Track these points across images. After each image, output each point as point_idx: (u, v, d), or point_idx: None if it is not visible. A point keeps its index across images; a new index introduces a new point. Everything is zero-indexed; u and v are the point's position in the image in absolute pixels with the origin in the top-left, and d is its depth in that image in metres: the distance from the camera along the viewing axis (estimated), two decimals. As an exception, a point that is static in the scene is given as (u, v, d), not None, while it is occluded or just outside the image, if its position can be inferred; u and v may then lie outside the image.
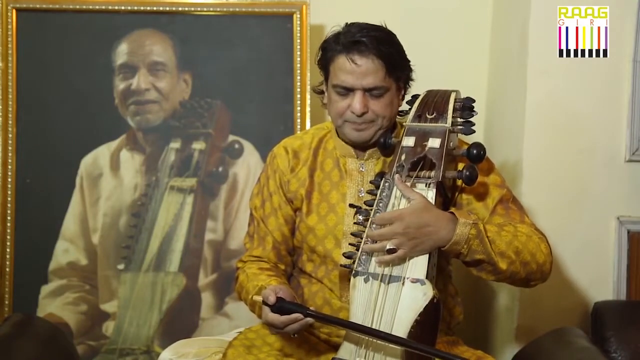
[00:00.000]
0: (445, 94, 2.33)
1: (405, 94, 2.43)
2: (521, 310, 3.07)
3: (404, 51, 2.41)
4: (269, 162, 2.59)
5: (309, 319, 2.19)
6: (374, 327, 2.14)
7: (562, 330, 2.93)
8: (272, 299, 2.19)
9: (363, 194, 2.42)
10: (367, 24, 2.38)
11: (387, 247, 2.15)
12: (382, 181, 2.25)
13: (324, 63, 2.40)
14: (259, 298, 2.24)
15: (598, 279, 3.09)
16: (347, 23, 2.41)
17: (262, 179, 2.59)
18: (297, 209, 2.51)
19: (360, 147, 2.45)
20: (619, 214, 3.07)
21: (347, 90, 2.34)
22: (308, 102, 3.21)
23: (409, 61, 2.42)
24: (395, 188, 2.22)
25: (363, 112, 2.33)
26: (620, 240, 3.07)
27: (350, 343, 2.18)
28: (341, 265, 2.31)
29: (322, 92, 2.47)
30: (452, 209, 2.27)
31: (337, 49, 2.34)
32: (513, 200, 2.41)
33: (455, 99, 2.30)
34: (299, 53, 3.23)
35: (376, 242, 2.19)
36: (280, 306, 2.19)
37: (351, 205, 2.35)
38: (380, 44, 2.31)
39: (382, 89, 2.33)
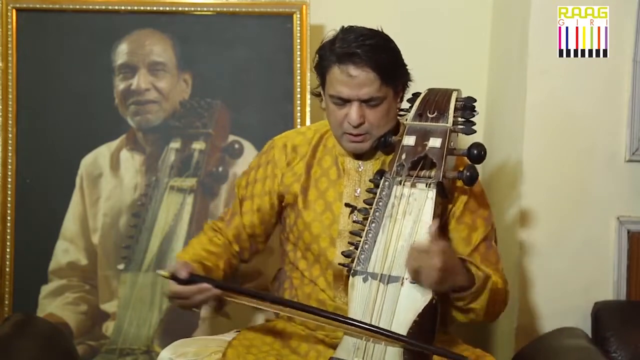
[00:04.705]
0: (447, 93, 2.33)
1: (403, 96, 2.43)
2: (521, 310, 3.07)
3: (401, 57, 2.39)
4: (266, 149, 2.61)
5: (216, 290, 2.25)
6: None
7: (562, 330, 2.94)
8: (184, 274, 2.24)
9: (359, 194, 2.42)
10: (363, 30, 2.36)
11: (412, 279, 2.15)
12: (382, 180, 2.25)
13: (320, 71, 2.40)
14: (164, 273, 2.27)
15: (598, 279, 3.09)
16: (343, 27, 2.39)
17: (253, 163, 2.63)
18: (289, 204, 2.52)
19: None
20: (619, 214, 3.07)
21: (344, 101, 2.34)
22: (308, 102, 3.21)
23: (406, 66, 2.41)
24: (395, 187, 2.23)
25: (360, 122, 2.33)
26: (620, 240, 3.07)
27: (348, 342, 2.18)
28: (340, 264, 2.30)
29: (320, 95, 2.47)
30: (468, 264, 2.29)
31: (332, 60, 2.33)
32: (494, 238, 2.46)
33: (456, 99, 2.30)
34: (299, 53, 3.22)
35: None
36: (190, 280, 2.25)
37: (347, 205, 2.35)
38: (375, 54, 2.30)
39: (378, 99, 2.33)
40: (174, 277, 2.26)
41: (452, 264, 2.17)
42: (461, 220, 2.40)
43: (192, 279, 2.26)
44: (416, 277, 2.13)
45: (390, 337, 2.11)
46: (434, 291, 2.14)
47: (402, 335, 2.11)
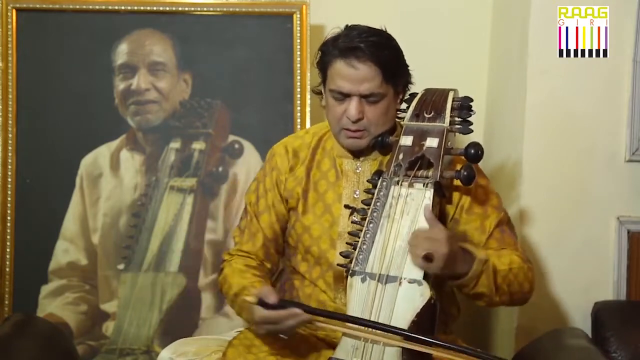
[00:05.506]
0: (443, 93, 2.33)
1: (403, 97, 2.42)
2: (521, 310, 3.06)
3: (402, 56, 2.40)
4: (268, 159, 2.59)
5: (307, 315, 2.18)
6: (370, 327, 2.15)
7: (562, 331, 2.93)
8: (273, 299, 2.18)
9: (358, 195, 2.42)
10: (366, 27, 2.37)
11: (423, 253, 2.13)
12: (380, 180, 2.25)
13: (322, 66, 2.40)
14: (252, 299, 2.21)
15: (598, 279, 3.08)
16: (347, 25, 2.40)
17: (259, 176, 2.60)
18: (292, 208, 2.51)
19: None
20: (619, 214, 3.06)
21: (344, 96, 2.34)
22: (308, 102, 3.21)
23: (408, 66, 2.42)
24: (392, 187, 2.23)
25: (358, 118, 2.33)
26: (620, 240, 3.06)
27: (348, 342, 2.18)
28: (338, 265, 2.30)
29: (320, 93, 2.48)
30: (466, 245, 2.27)
31: (335, 54, 2.33)
32: (508, 223, 2.45)
33: (453, 98, 2.30)
34: (299, 53, 3.22)
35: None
36: (278, 306, 2.18)
37: (346, 206, 2.35)
38: (378, 49, 2.30)
39: (379, 96, 2.33)
40: (262, 303, 2.19)
41: (456, 250, 2.17)
42: (471, 212, 2.39)
43: (281, 304, 2.19)
44: (426, 263, 2.13)
45: (411, 339, 2.11)
46: (433, 274, 2.16)
47: (418, 336, 2.11)
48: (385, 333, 2.13)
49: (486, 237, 2.39)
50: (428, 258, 2.12)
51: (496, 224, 2.40)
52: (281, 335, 2.27)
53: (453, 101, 2.29)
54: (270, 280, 2.52)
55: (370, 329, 2.14)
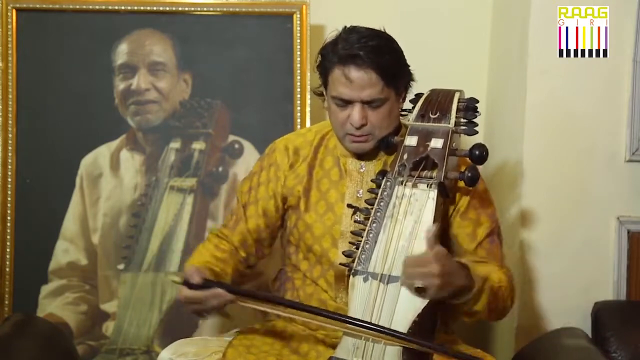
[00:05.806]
0: (449, 94, 2.32)
1: (406, 96, 2.42)
2: (521, 310, 3.07)
3: (403, 58, 2.39)
4: (267, 153, 2.60)
5: (230, 295, 2.23)
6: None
7: (562, 330, 2.94)
8: (196, 279, 2.23)
9: (361, 195, 2.42)
10: (366, 30, 2.35)
11: (417, 285, 2.10)
12: (384, 180, 2.25)
13: (323, 71, 2.39)
14: (176, 279, 2.28)
15: (598, 279, 3.09)
16: (345, 27, 2.38)
17: (256, 167, 2.61)
18: (292, 206, 2.52)
19: None
20: (619, 214, 3.07)
21: (345, 102, 2.33)
22: (308, 102, 3.21)
23: (409, 66, 2.40)
24: (396, 187, 2.23)
25: (362, 124, 2.33)
26: (620, 240, 3.07)
27: (348, 342, 2.17)
28: (340, 264, 2.30)
29: (322, 94, 2.47)
30: (463, 260, 2.24)
31: (334, 61, 2.32)
32: (498, 234, 2.44)
33: (459, 99, 2.30)
34: (299, 53, 3.22)
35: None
36: (203, 286, 2.23)
37: (349, 206, 2.34)
38: (378, 55, 2.29)
39: (381, 100, 2.32)
40: (186, 283, 2.25)
41: (450, 266, 2.13)
42: (465, 217, 2.39)
43: (205, 284, 2.24)
44: (419, 292, 2.10)
45: (398, 337, 2.09)
46: (439, 298, 2.12)
47: (411, 338, 2.10)
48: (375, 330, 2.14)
49: (475, 246, 2.38)
50: (421, 290, 2.10)
51: (487, 233, 2.40)
52: (205, 315, 2.33)
53: (459, 102, 2.29)
54: (237, 266, 2.54)
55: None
